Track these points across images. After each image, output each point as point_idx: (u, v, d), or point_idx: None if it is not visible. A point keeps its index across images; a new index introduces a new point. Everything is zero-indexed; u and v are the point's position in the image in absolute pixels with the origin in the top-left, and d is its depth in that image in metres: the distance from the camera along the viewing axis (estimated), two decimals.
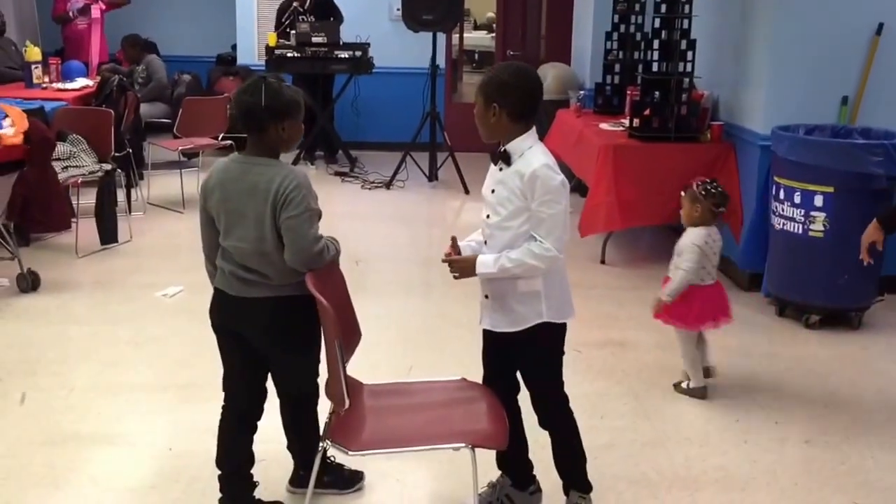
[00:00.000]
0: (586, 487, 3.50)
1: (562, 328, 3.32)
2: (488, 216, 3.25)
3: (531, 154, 3.15)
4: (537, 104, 3.20)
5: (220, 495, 3.48)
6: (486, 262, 3.18)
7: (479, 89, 3.17)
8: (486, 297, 3.31)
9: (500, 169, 3.20)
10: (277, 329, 3.27)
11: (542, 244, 3.10)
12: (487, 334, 3.40)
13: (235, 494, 3.47)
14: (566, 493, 3.51)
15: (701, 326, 4.65)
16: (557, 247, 3.11)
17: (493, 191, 3.23)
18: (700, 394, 4.67)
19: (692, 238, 4.55)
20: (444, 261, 3.30)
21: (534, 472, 3.60)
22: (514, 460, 3.55)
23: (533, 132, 3.19)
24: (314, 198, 3.19)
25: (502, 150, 3.18)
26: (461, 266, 3.26)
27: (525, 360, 3.39)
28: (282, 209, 3.10)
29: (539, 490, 3.59)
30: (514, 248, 3.15)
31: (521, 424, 3.50)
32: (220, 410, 3.47)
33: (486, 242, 3.28)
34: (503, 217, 3.18)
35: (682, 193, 4.68)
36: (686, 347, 4.69)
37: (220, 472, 3.46)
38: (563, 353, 3.38)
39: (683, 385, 4.74)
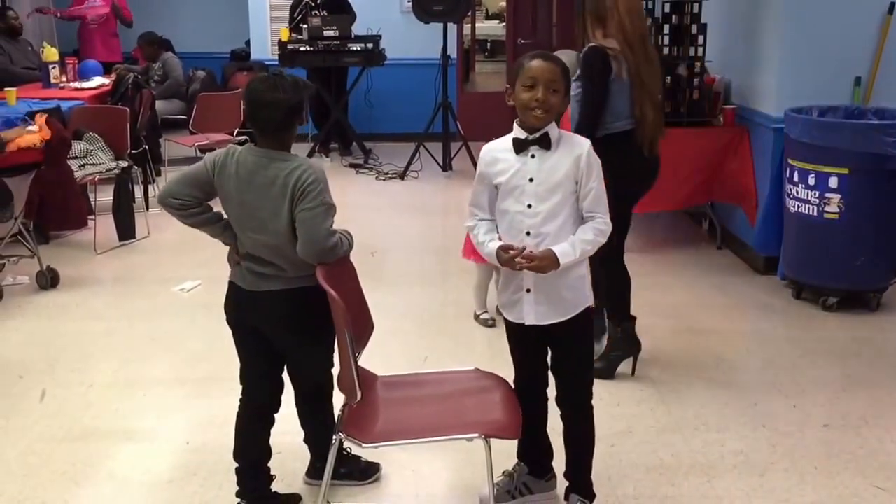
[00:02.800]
0: (590, 495, 3.45)
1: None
2: (530, 205, 3.15)
3: (569, 137, 3.20)
4: None
5: (237, 489, 3.51)
6: (567, 251, 3.09)
7: (561, 78, 3.12)
8: (528, 290, 3.21)
9: (533, 156, 3.14)
10: (292, 321, 3.29)
11: (605, 219, 3.15)
12: (526, 331, 3.28)
13: (252, 487, 3.49)
14: (566, 497, 3.47)
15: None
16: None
17: (531, 179, 3.14)
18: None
19: None
20: (524, 265, 3.08)
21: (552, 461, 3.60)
22: (537, 449, 3.55)
23: None
24: (329, 191, 3.20)
25: (540, 135, 3.12)
26: (545, 263, 3.07)
27: (571, 349, 3.32)
28: (298, 201, 3.12)
29: (555, 476, 3.59)
30: (565, 232, 3.13)
31: (547, 414, 3.50)
32: (238, 404, 3.49)
33: (528, 233, 3.15)
34: (556, 203, 3.13)
35: None
36: (483, 279, 5.35)
37: (237, 466, 3.48)
38: None
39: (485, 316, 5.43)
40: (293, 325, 3.30)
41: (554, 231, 3.12)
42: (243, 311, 3.34)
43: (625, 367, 4.73)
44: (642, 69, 4.41)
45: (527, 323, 3.25)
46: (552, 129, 3.14)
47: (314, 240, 3.13)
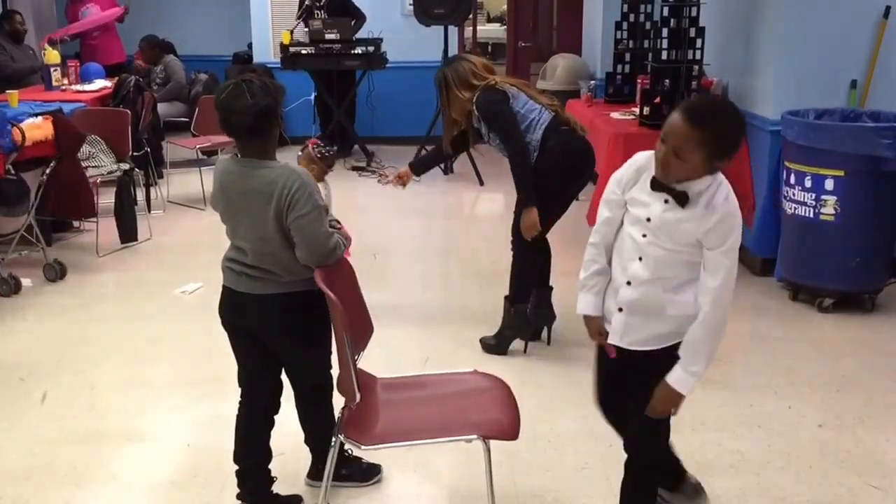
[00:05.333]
0: None
1: None
2: None
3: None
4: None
5: (237, 491, 3.54)
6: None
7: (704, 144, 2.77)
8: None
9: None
10: (287, 325, 3.31)
11: None
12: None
13: (253, 490, 3.52)
14: None
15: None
16: None
17: None
18: None
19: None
20: None
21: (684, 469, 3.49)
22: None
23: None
24: (318, 193, 3.22)
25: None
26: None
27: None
28: (289, 211, 3.12)
29: (685, 478, 3.49)
30: None
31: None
32: (237, 406, 3.52)
33: None
34: None
35: (300, 154, 5.16)
36: None
37: (237, 468, 3.51)
38: None
39: None
40: (288, 329, 3.32)
41: None
42: (238, 314, 3.36)
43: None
44: (518, 85, 5.05)
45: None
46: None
47: (315, 246, 3.16)
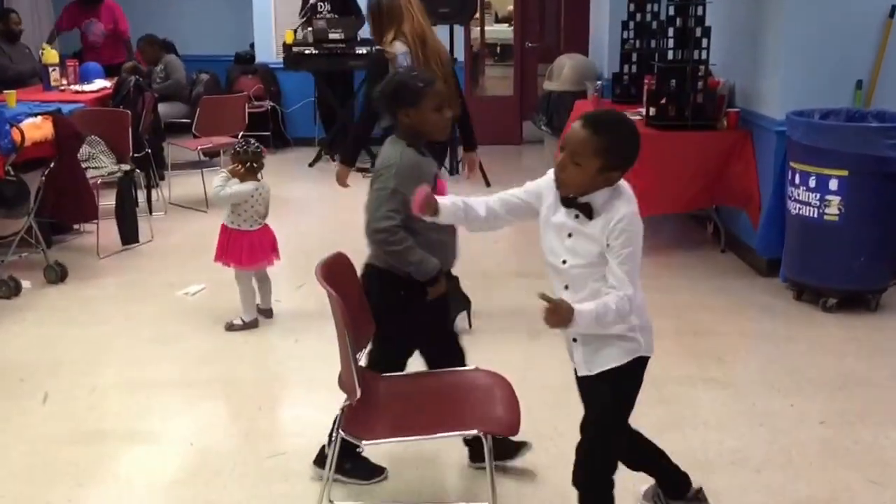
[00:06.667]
0: None
1: None
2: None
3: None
4: None
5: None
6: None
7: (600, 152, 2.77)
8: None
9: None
10: (373, 297, 3.47)
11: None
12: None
13: None
14: None
15: (254, 266, 5.35)
16: None
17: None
18: (253, 324, 5.40)
19: (242, 188, 5.26)
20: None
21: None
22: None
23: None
24: (410, 182, 3.30)
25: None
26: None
27: None
28: (373, 181, 3.47)
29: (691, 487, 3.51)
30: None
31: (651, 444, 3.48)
32: None
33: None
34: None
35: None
36: (243, 286, 5.35)
37: None
38: None
39: (237, 322, 5.38)
40: (373, 302, 3.46)
41: None
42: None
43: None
44: (431, 60, 5.10)
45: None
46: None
47: (368, 218, 3.46)
